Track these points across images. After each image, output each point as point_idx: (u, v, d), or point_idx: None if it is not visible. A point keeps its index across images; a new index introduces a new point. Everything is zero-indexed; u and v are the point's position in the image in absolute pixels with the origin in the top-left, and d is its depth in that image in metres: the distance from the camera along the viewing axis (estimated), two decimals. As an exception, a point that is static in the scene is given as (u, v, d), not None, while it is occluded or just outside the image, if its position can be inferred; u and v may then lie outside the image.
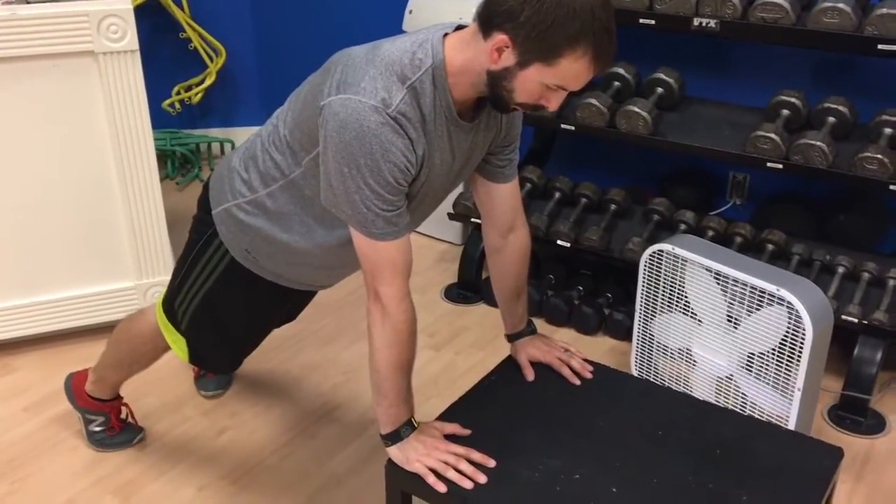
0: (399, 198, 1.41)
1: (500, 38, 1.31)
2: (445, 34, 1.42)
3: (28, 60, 2.26)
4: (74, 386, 2.15)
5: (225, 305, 1.80)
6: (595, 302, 2.72)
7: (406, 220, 1.44)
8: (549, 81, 1.33)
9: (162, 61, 3.73)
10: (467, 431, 1.55)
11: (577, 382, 1.72)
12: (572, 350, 1.78)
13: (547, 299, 2.73)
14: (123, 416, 2.19)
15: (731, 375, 2.14)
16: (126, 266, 2.56)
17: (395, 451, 1.50)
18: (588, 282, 2.82)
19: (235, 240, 1.70)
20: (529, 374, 1.73)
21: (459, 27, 1.44)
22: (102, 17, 2.27)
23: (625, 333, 2.62)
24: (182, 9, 3.65)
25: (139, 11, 3.50)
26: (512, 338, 1.80)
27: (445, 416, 1.60)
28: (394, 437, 1.50)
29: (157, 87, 3.57)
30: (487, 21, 1.32)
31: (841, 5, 2.20)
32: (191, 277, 1.78)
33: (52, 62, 2.29)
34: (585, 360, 1.77)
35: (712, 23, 2.37)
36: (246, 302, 1.80)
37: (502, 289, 1.78)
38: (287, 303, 1.92)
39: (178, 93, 3.80)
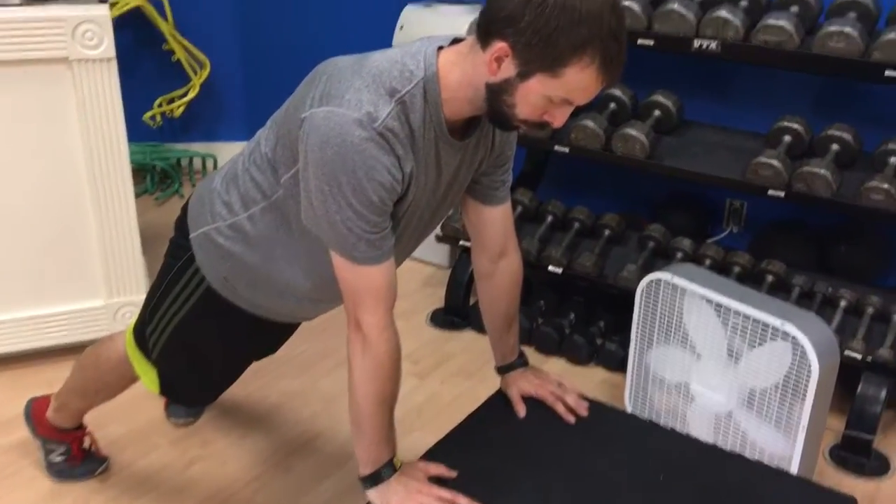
0: (384, 219, 1.30)
1: (499, 45, 1.21)
2: (440, 47, 1.32)
3: (-2, 66, 2.15)
4: (35, 413, 2.02)
5: (200, 336, 1.68)
6: (587, 331, 2.61)
7: (390, 243, 1.33)
8: (554, 94, 1.23)
9: (144, 73, 3.62)
10: (454, 473, 1.43)
11: (572, 420, 1.61)
12: (566, 385, 1.68)
13: (537, 327, 2.62)
14: (86, 445, 2.05)
15: (731, 412, 2.03)
16: (96, 284, 2.44)
17: (374, 495, 1.38)
18: (580, 309, 2.71)
19: (213, 266, 1.58)
20: (521, 410, 1.62)
21: (456, 40, 1.34)
22: (78, 22, 2.16)
23: (618, 364, 2.51)
24: (166, 19, 3.55)
25: (121, 21, 3.42)
26: (502, 370, 1.69)
27: (430, 456, 1.49)
28: (373, 479, 1.38)
29: (138, 100, 3.48)
30: (486, 29, 1.22)
31: (847, 29, 2.13)
32: (164, 304, 1.66)
33: (23, 69, 2.17)
34: (581, 396, 1.66)
35: (713, 44, 2.29)
36: (222, 333, 1.68)
37: (492, 318, 1.67)
38: (267, 336, 1.80)
39: (160, 105, 3.68)
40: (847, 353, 2.16)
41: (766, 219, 2.74)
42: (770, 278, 2.39)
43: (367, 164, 1.24)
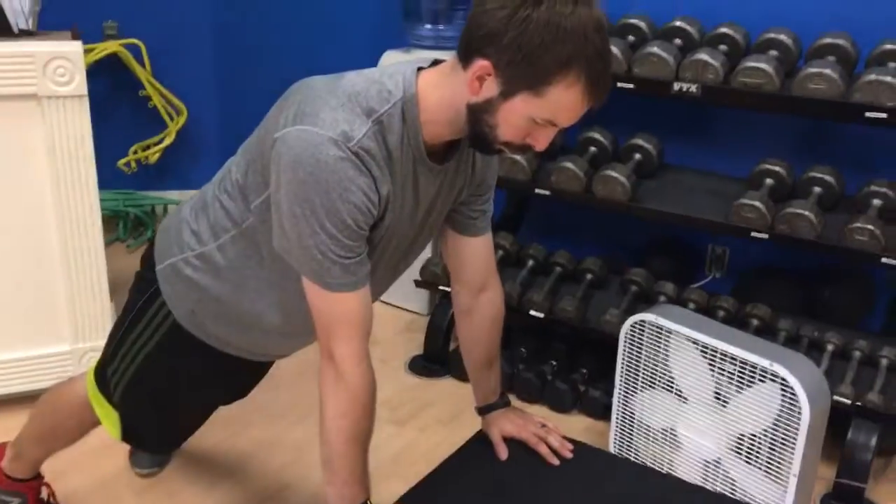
0: (359, 244, 1.24)
1: (480, 64, 1.17)
2: (420, 68, 1.28)
3: (-36, 101, 2.09)
4: (-11, 461, 1.92)
5: (164, 375, 1.59)
6: (569, 377, 2.55)
7: (366, 269, 1.27)
8: (538, 114, 1.18)
9: (119, 119, 3.58)
10: (431, 518, 1.35)
11: (556, 462, 1.54)
12: (550, 426, 1.61)
13: (518, 373, 2.55)
14: (44, 496, 1.94)
15: (720, 459, 1.96)
16: (61, 329, 2.35)
17: (347, 540, 1.29)
18: (562, 356, 2.65)
19: (180, 299, 1.51)
20: (502, 452, 1.55)
21: (437, 62, 1.30)
22: (49, 58, 2.12)
23: (602, 412, 2.44)
24: (143, 66, 3.53)
25: (98, 67, 3.40)
26: (483, 411, 1.62)
27: (407, 500, 1.42)
28: (346, 524, 1.30)
29: (113, 146, 3.44)
30: (467, 47, 1.18)
31: (827, 71, 2.13)
32: (127, 341, 1.58)
33: (-10, 104, 2.12)
34: (564, 438, 1.59)
35: (693, 87, 2.28)
36: (188, 372, 1.60)
37: (473, 356, 1.60)
38: (236, 376, 1.71)
39: (135, 152, 3.64)
40: (836, 397, 2.10)
41: (748, 264, 2.70)
42: (755, 322, 2.34)
43: (341, 185, 1.18)
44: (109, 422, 1.67)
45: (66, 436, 1.80)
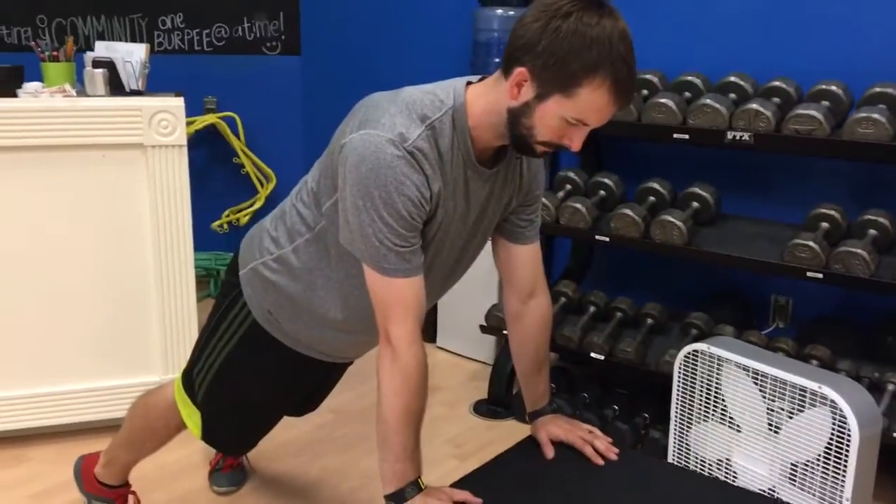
0: (413, 234, 1.39)
1: (519, 71, 1.32)
2: (470, 82, 1.45)
3: (81, 149, 2.37)
4: (84, 468, 2.09)
5: (243, 372, 1.75)
6: (632, 421, 2.59)
7: (419, 260, 1.42)
8: (569, 115, 1.33)
9: (215, 185, 3.88)
10: (479, 500, 1.44)
11: (601, 462, 1.61)
12: (597, 432, 1.68)
13: (579, 414, 2.61)
14: (130, 503, 2.10)
15: (774, 488, 1.98)
16: (153, 360, 2.55)
17: (398, 513, 1.39)
18: (623, 401, 2.70)
19: (259, 300, 1.68)
20: (549, 452, 1.63)
21: (483, 77, 1.47)
22: (154, 112, 2.39)
23: (662, 453, 2.46)
24: (238, 136, 3.84)
25: (198, 137, 3.72)
26: (532, 416, 1.71)
27: (458, 486, 1.50)
28: (397, 498, 1.40)
29: (208, 210, 3.73)
30: (508, 58, 1.35)
31: (876, 116, 2.21)
32: (212, 341, 1.76)
33: (102, 152, 2.39)
34: (612, 443, 1.66)
35: (746, 136, 2.38)
36: (265, 370, 1.75)
37: (522, 360, 1.71)
38: (307, 377, 1.86)
39: (228, 215, 3.92)
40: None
41: (812, 314, 2.72)
42: (814, 363, 2.36)
43: (397, 180, 1.34)
44: (192, 422, 1.82)
45: (154, 438, 1.95)
